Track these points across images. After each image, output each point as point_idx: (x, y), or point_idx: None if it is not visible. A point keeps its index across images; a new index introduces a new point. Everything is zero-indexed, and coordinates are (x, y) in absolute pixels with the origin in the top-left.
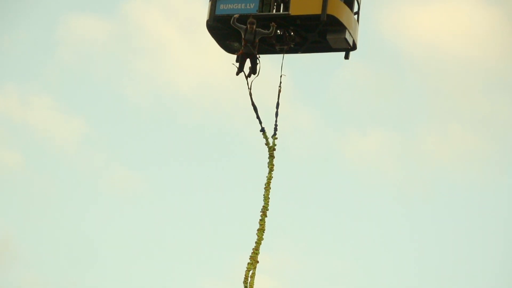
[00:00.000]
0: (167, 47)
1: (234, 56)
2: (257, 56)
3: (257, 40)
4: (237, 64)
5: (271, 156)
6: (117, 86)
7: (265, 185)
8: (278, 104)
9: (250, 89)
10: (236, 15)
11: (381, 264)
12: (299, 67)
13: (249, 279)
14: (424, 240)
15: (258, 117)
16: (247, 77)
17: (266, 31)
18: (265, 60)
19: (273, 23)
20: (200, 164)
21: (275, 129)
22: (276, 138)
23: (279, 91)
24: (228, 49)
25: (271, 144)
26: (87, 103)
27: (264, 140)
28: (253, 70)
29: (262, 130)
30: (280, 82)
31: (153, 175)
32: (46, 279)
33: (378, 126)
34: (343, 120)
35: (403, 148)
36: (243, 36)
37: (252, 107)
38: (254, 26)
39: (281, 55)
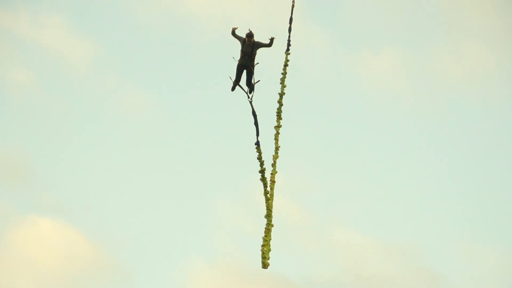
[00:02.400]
0: None
1: None
2: (253, 68)
3: (255, 52)
4: (234, 78)
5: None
6: (128, 6)
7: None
8: (291, 19)
9: (251, 99)
10: (235, 27)
11: (394, 183)
12: None
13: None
14: (437, 159)
15: (256, 125)
16: (246, 91)
17: (265, 43)
18: None
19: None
20: (212, 86)
21: (288, 45)
22: (289, 54)
23: (293, 6)
24: None
25: (263, 160)
26: (99, 23)
27: (257, 154)
28: (248, 83)
29: (257, 143)
30: None
31: (164, 96)
32: (58, 198)
33: (391, 45)
34: (356, 39)
35: (416, 66)
36: (241, 48)
37: (252, 115)
38: (252, 39)
39: None
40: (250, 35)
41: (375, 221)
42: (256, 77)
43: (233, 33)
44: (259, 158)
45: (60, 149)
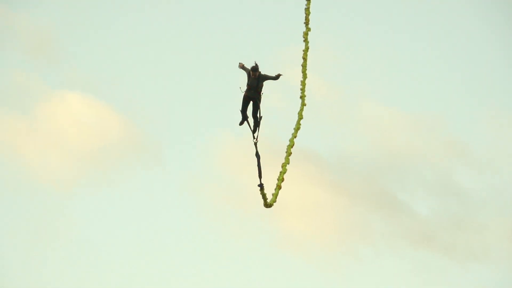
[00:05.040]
0: None
1: None
2: (260, 102)
3: (261, 85)
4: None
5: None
6: None
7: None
8: None
9: (256, 139)
10: (241, 63)
11: (420, 54)
12: None
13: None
14: (460, 29)
15: (259, 167)
16: (251, 129)
17: (271, 76)
18: None
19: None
20: None
21: None
22: None
23: None
24: None
25: (268, 202)
26: None
27: (261, 196)
28: (253, 115)
29: (261, 186)
30: None
31: None
32: (88, 74)
33: None
34: None
35: None
36: (247, 81)
37: (255, 156)
38: (257, 73)
39: None
40: (255, 69)
41: (402, 94)
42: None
43: (240, 67)
44: (264, 198)
45: (90, 24)
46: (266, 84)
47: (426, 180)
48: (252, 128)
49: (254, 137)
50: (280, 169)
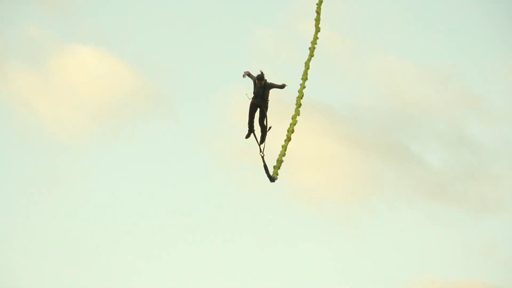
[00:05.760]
0: None
1: None
2: (266, 109)
3: (267, 93)
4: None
5: None
6: None
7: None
8: None
9: (263, 153)
10: (246, 71)
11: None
12: None
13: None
14: None
15: (267, 170)
16: (258, 143)
17: (277, 85)
18: None
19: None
20: None
21: None
22: None
23: None
24: None
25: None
26: None
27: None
28: (260, 123)
29: (272, 179)
30: None
31: None
32: (100, 27)
33: None
34: None
35: None
36: (253, 89)
37: (264, 168)
38: (263, 82)
39: None
40: (260, 77)
41: (414, 46)
42: None
43: (246, 75)
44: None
45: None
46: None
47: (439, 132)
48: (258, 141)
49: (260, 150)
50: (291, 121)
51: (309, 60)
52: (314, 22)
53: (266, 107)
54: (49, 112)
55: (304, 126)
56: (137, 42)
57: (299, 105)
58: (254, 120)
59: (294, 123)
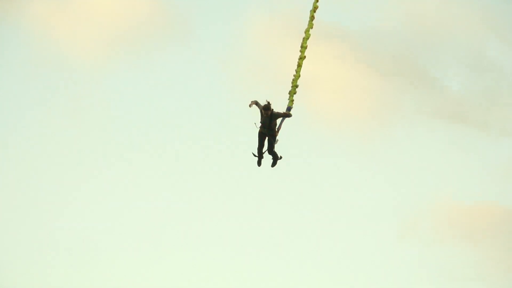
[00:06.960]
0: None
1: None
2: (274, 139)
3: (275, 122)
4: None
5: None
6: None
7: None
8: None
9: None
10: (253, 101)
11: None
12: None
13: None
14: None
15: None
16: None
17: (283, 113)
18: None
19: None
20: None
21: None
22: None
23: None
24: None
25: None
26: None
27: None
28: (269, 152)
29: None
30: None
31: None
32: None
33: None
34: None
35: None
36: (260, 118)
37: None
38: (269, 112)
39: None
40: (267, 107)
41: None
42: None
43: (253, 104)
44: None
45: None
46: None
47: (459, 56)
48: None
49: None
50: (303, 35)
51: (296, 81)
52: None
53: (274, 136)
54: (67, 37)
55: (321, 50)
56: None
57: (312, 17)
58: (263, 148)
59: (307, 37)
